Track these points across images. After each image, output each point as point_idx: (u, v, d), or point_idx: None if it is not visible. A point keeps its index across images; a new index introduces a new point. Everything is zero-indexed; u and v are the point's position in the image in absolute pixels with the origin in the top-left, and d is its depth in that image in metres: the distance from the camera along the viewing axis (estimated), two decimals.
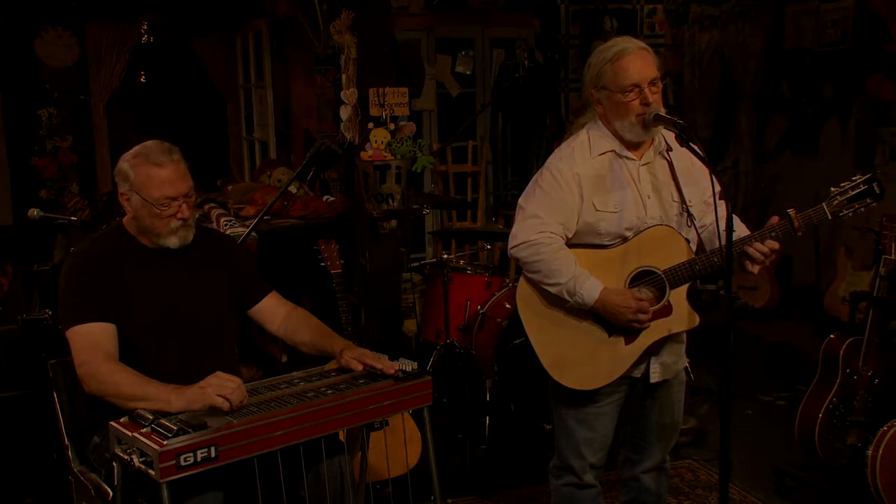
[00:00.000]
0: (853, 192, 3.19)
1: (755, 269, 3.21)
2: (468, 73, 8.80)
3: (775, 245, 3.17)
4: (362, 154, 5.50)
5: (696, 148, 3.00)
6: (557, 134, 8.00)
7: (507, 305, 5.12)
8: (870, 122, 7.31)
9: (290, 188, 5.75)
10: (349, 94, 5.52)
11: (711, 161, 3.02)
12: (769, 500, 4.62)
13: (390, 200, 5.44)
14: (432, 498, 3.27)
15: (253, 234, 5.10)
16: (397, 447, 4.21)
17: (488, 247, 6.59)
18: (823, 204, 3.20)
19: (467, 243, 7.62)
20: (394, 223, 5.54)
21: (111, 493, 2.96)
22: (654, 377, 3.34)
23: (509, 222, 3.39)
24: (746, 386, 6.16)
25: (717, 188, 3.00)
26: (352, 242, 5.60)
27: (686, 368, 3.55)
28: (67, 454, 3.34)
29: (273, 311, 3.48)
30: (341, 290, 4.51)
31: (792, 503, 4.61)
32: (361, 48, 5.51)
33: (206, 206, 6.17)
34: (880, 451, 4.09)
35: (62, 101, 8.30)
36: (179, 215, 3.15)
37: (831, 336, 4.64)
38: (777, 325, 7.55)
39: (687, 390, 3.59)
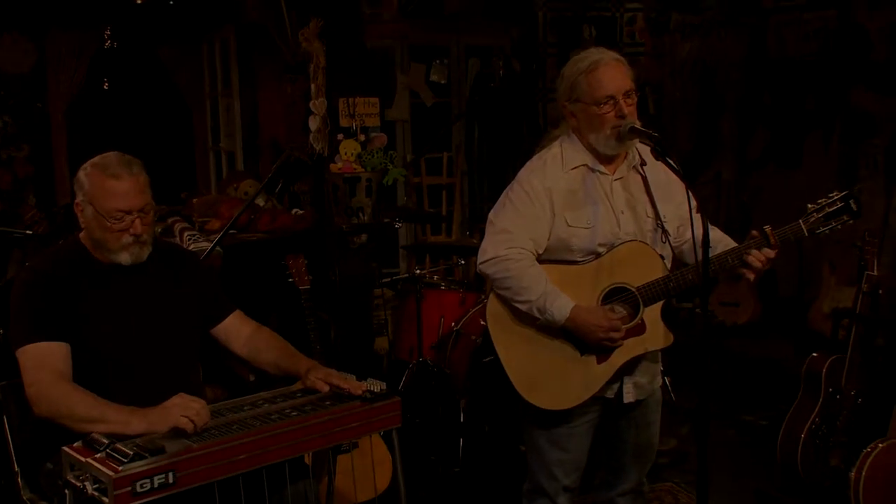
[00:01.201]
0: (830, 210, 3.19)
1: (751, 275, 3.17)
2: (443, 82, 8.72)
3: (770, 253, 3.13)
4: (331, 166, 5.45)
5: (671, 161, 2.97)
6: (534, 144, 7.94)
7: (482, 322, 5.05)
8: (853, 135, 7.26)
9: (257, 201, 5.68)
10: (318, 104, 5.47)
11: (693, 173, 2.96)
12: None
13: (361, 214, 5.41)
14: None
15: (218, 248, 5.05)
16: (366, 471, 4.11)
17: (462, 262, 6.50)
18: (800, 221, 3.19)
19: (441, 258, 7.53)
20: (364, 237, 5.51)
21: None
22: (628, 397, 3.30)
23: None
24: (728, 405, 6.08)
25: (694, 203, 2.95)
26: (321, 257, 5.53)
27: (667, 387, 3.48)
28: (17, 481, 3.22)
29: (237, 331, 3.40)
30: (310, 306, 4.46)
31: None
32: (331, 57, 5.48)
33: (170, 220, 6.09)
34: (863, 473, 4.05)
35: (18, 108, 8.12)
36: (132, 231, 3.06)
37: (814, 354, 4.60)
38: (760, 342, 7.48)
39: (667, 410, 3.54)
